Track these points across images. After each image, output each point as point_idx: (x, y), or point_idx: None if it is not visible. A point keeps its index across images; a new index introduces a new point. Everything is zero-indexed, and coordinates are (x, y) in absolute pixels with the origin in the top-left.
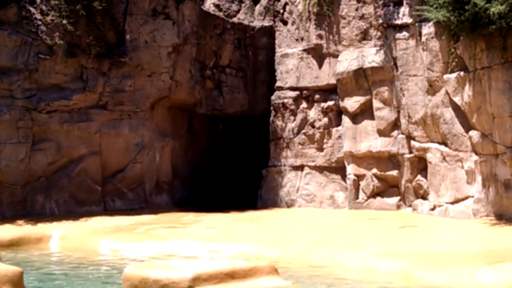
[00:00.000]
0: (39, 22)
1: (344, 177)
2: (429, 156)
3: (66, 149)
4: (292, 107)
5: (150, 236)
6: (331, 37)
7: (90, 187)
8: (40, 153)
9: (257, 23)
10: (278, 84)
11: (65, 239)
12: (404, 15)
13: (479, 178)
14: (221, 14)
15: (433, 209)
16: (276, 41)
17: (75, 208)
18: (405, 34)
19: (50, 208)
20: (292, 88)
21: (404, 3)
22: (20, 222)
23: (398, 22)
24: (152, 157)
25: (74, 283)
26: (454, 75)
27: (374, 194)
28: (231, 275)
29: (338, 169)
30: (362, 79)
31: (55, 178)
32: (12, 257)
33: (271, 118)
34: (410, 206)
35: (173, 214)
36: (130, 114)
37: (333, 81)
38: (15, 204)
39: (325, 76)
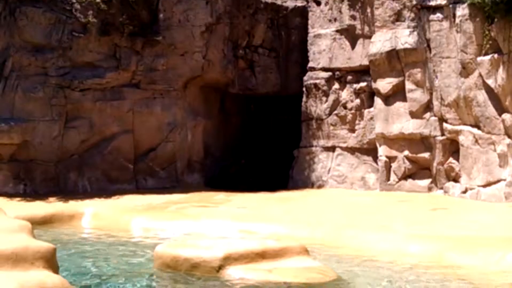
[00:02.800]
0: (73, 0)
1: (375, 158)
2: (461, 138)
3: (98, 127)
4: (324, 88)
5: (181, 215)
6: (364, 18)
7: (122, 165)
8: (73, 131)
9: (290, 3)
10: (310, 64)
11: (97, 216)
12: None
13: (511, 161)
14: None
15: (464, 192)
16: (309, 22)
17: (107, 186)
18: (439, 15)
19: (83, 186)
20: (324, 69)
21: None
22: (52, 199)
23: (432, 3)
24: (184, 136)
25: (106, 261)
26: (487, 57)
27: (406, 176)
28: (262, 255)
29: (370, 150)
30: (395, 60)
31: (87, 156)
32: (45, 234)
33: (303, 98)
34: (441, 188)
35: (204, 193)
36: (162, 93)
37: (365, 62)
38: (48, 181)
39: (358, 57)
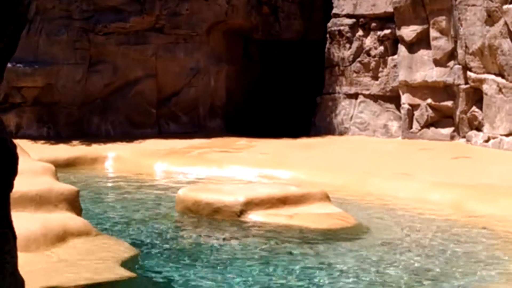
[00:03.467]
0: None
1: (398, 106)
2: (485, 87)
3: (122, 71)
4: (348, 34)
5: (203, 160)
6: None
7: (145, 110)
8: (96, 75)
9: None
10: (334, 11)
11: (120, 160)
12: None
13: None
14: None
15: (487, 140)
16: None
17: (130, 130)
18: None
19: (106, 130)
20: (348, 16)
21: None
22: (75, 142)
23: None
24: (207, 82)
25: (129, 204)
26: None
27: (428, 124)
28: (283, 201)
29: (393, 98)
30: (419, 7)
31: (111, 100)
32: (68, 177)
33: (327, 45)
34: (464, 137)
35: (226, 139)
36: (186, 38)
37: (390, 9)
38: (71, 125)
39: (382, 4)
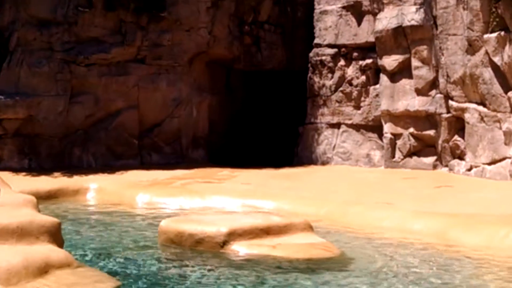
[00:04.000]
0: None
1: (380, 135)
2: (467, 116)
3: (104, 102)
4: (330, 64)
5: (186, 191)
6: None
7: (127, 141)
8: (78, 106)
9: None
10: (316, 41)
11: (102, 191)
12: None
13: None
14: None
15: (469, 169)
16: None
17: (112, 161)
18: None
19: (87, 161)
20: (330, 45)
21: None
22: (57, 174)
23: None
24: (189, 112)
25: (111, 236)
26: (494, 34)
27: (411, 153)
28: (266, 231)
29: (375, 127)
30: (401, 37)
31: (92, 131)
32: (49, 209)
33: (309, 75)
34: (446, 166)
35: (209, 169)
36: (168, 69)
37: (371, 39)
38: (53, 156)
39: (364, 34)
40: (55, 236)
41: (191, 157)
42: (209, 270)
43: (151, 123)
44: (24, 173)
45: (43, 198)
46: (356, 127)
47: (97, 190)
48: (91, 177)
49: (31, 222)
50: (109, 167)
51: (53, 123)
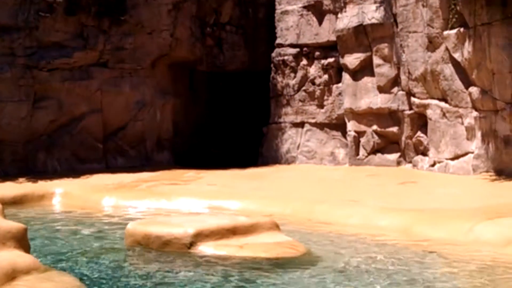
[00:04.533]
0: None
1: (344, 133)
2: (429, 112)
3: (67, 107)
4: (292, 64)
5: (152, 193)
6: None
7: (91, 145)
8: (41, 111)
9: None
10: (278, 41)
11: (68, 196)
12: None
13: (478, 134)
14: None
15: (433, 165)
16: None
17: (76, 165)
18: None
19: (52, 166)
20: (292, 45)
21: None
22: (22, 179)
23: None
24: (153, 115)
25: (78, 239)
26: (454, 31)
27: (375, 151)
28: (233, 231)
29: (339, 125)
30: (362, 36)
31: (56, 136)
32: (15, 214)
33: (272, 75)
34: (410, 162)
35: (174, 171)
36: (130, 72)
37: (333, 38)
38: (17, 162)
39: (325, 33)
40: (22, 241)
41: (156, 160)
42: (176, 272)
43: (115, 127)
44: None
45: (9, 204)
46: (320, 126)
47: (62, 194)
48: (56, 182)
49: None
50: (74, 172)
51: (17, 129)
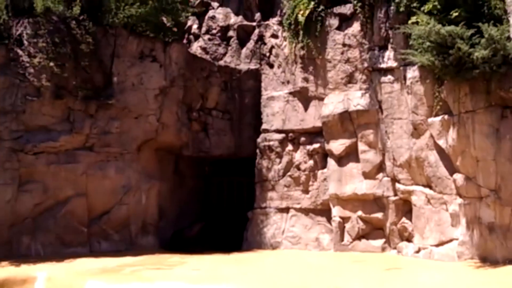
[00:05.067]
0: (27, 64)
1: (329, 219)
2: (414, 198)
3: (52, 190)
4: (278, 149)
5: (136, 278)
6: (317, 80)
7: (76, 229)
8: (26, 195)
9: (243, 66)
10: (264, 126)
11: (51, 280)
12: (389, 59)
13: (463, 221)
14: (207, 57)
15: (418, 251)
16: (262, 84)
17: (60, 249)
18: (390, 77)
19: (36, 250)
20: (278, 131)
21: (389, 47)
22: (4, 263)
23: (383, 65)
24: (138, 199)
25: None
26: (438, 118)
27: (360, 237)
28: None
29: (324, 211)
30: (347, 122)
31: (41, 220)
32: None
33: (257, 160)
34: (395, 248)
35: (158, 256)
36: (116, 156)
37: (318, 124)
38: (1, 245)
39: (311, 119)
40: None
41: (140, 244)
42: None
43: (100, 211)
44: None
45: None
46: (305, 211)
47: (45, 279)
48: (40, 265)
49: None
50: (58, 255)
51: (1, 212)
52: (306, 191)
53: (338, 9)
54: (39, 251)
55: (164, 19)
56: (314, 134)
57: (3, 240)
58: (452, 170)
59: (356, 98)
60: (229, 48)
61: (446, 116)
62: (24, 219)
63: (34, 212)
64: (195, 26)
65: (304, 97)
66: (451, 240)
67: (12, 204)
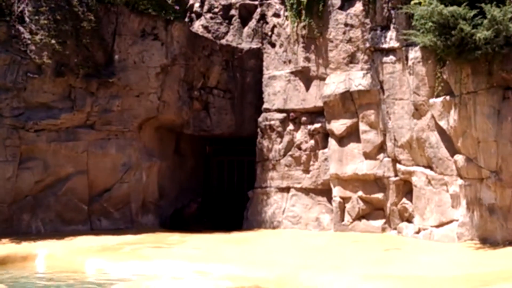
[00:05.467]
0: (28, 41)
1: (330, 199)
2: (414, 179)
3: (53, 168)
4: (279, 129)
5: (136, 256)
6: (318, 60)
7: (76, 206)
8: (27, 172)
9: (245, 45)
10: (265, 106)
11: (51, 258)
12: (391, 39)
13: (463, 202)
14: (209, 35)
15: (418, 232)
16: (264, 63)
17: (61, 227)
18: (391, 58)
19: (36, 227)
20: (279, 110)
21: (391, 27)
22: (5, 240)
23: (385, 46)
24: (139, 177)
25: None
26: (440, 99)
27: (360, 217)
28: None
29: (324, 191)
30: (348, 102)
31: (41, 197)
32: None
33: (258, 139)
34: (395, 229)
35: (158, 234)
36: (117, 134)
37: (320, 103)
38: (1, 223)
39: (312, 98)
40: None
41: (140, 222)
42: None
43: (101, 189)
44: None
45: None
46: (306, 191)
47: (46, 256)
48: (40, 243)
49: None
50: (58, 233)
51: (2, 189)
52: (307, 171)
53: None
54: (39, 228)
55: None
56: (315, 114)
57: (3, 217)
58: (453, 151)
59: (357, 78)
60: (231, 27)
61: (447, 97)
62: (24, 196)
63: (34, 189)
64: (197, 5)
65: (305, 77)
66: (451, 221)
67: (13, 181)
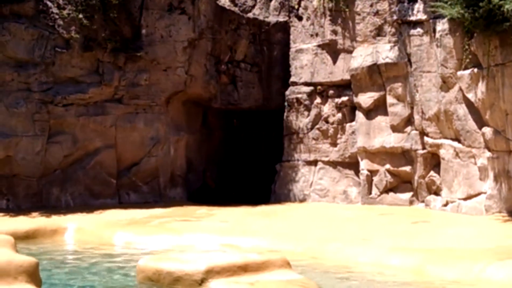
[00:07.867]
0: (56, 16)
1: (357, 172)
2: (442, 152)
3: (81, 142)
4: (306, 102)
5: (164, 229)
6: (345, 33)
7: (105, 180)
8: (56, 146)
9: (272, 19)
10: (292, 79)
11: (80, 231)
12: (418, 12)
13: (491, 175)
14: (236, 9)
15: (445, 205)
16: (291, 37)
17: (90, 200)
18: (419, 30)
19: (65, 201)
20: (306, 84)
21: None
22: (35, 214)
23: (413, 18)
24: (167, 151)
25: (89, 275)
26: (467, 71)
27: (387, 190)
28: (244, 268)
29: (352, 164)
30: (376, 75)
31: (70, 171)
32: (27, 249)
33: (285, 113)
34: (422, 201)
35: (186, 208)
36: (145, 108)
37: (347, 76)
38: (31, 197)
39: (339, 71)
40: (33, 276)
41: (169, 196)
42: None
43: (129, 162)
44: (1, 214)
45: (21, 238)
46: (333, 164)
47: (75, 229)
48: (69, 216)
49: (9, 262)
50: (87, 207)
51: (31, 163)
52: (334, 144)
53: None
54: (68, 202)
55: None
56: (342, 87)
57: (33, 191)
58: (481, 123)
59: (385, 51)
60: (258, 0)
61: (475, 69)
62: (54, 171)
63: (63, 163)
64: None
65: (332, 50)
66: (479, 194)
67: (42, 155)
